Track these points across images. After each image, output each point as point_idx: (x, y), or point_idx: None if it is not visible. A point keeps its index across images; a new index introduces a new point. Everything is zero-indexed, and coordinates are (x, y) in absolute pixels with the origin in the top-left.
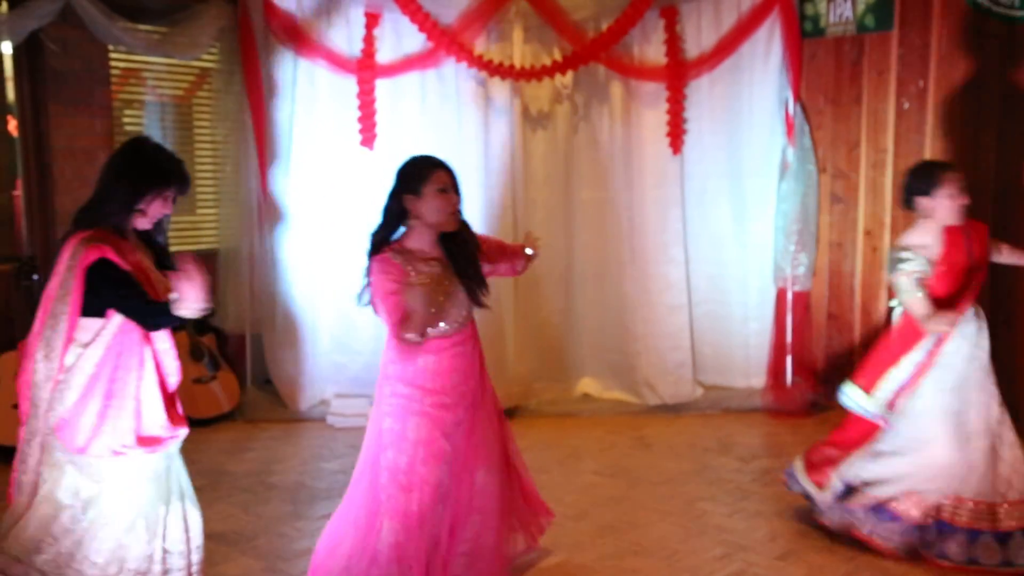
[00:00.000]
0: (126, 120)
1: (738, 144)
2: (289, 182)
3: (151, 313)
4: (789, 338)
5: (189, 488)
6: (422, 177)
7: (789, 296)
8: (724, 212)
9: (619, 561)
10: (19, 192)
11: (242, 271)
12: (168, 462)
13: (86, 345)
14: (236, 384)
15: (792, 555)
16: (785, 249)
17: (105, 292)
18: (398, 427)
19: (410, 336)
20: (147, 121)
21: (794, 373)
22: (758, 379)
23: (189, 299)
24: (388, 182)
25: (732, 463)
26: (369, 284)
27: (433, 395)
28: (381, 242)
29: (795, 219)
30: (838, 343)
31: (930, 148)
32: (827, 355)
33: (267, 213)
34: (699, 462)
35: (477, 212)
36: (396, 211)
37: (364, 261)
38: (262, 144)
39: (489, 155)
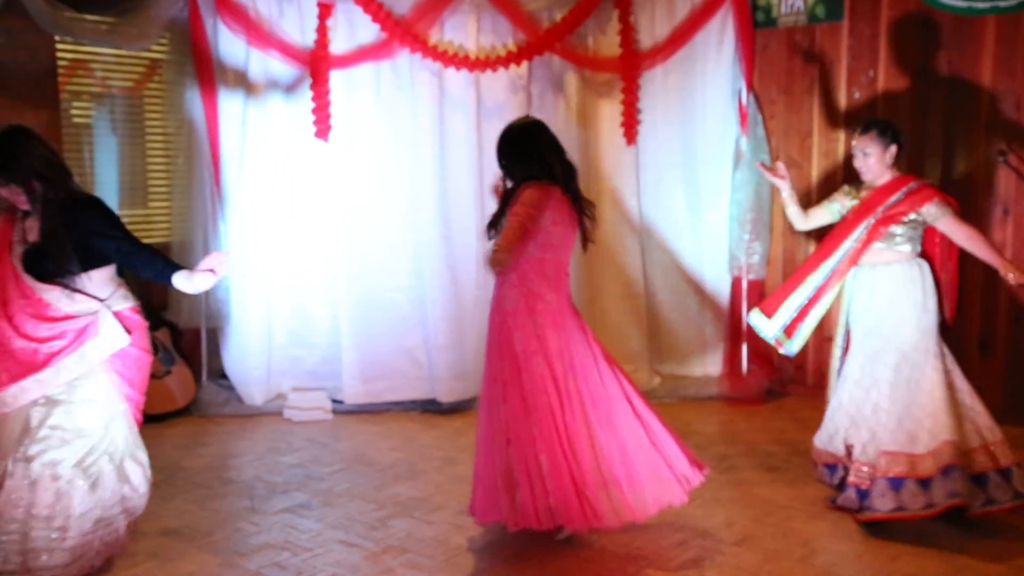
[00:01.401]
0: (74, 112)
1: (692, 134)
2: (243, 175)
3: None
4: (745, 326)
5: None
6: None
7: (744, 284)
8: (679, 202)
9: (578, 549)
10: None
11: (195, 265)
12: None
13: None
14: (191, 379)
15: (749, 540)
16: (739, 238)
17: None
18: None
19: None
20: (96, 113)
21: (749, 361)
22: (714, 367)
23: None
24: (344, 174)
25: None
26: (520, 198)
27: None
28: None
29: (749, 208)
30: None
31: None
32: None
33: (220, 206)
34: None
35: (434, 203)
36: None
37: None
38: (215, 136)
39: (445, 146)
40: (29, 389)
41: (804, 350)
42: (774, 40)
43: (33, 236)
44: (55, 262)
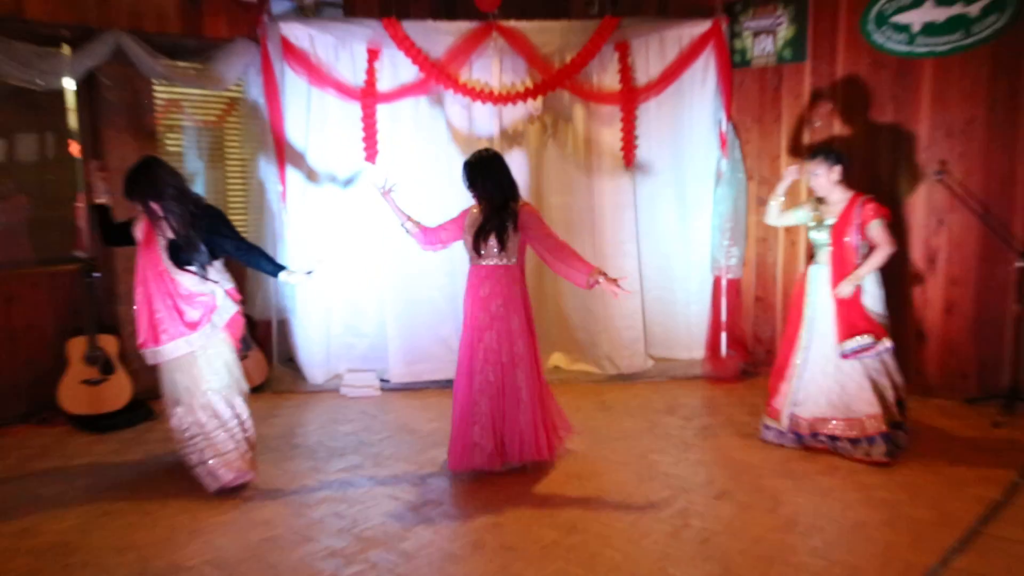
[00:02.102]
0: (168, 142)
1: (680, 156)
2: (305, 193)
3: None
4: (724, 317)
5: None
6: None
7: (724, 283)
8: (669, 214)
9: (585, 502)
10: (80, 204)
11: None
12: None
13: None
14: (265, 362)
15: (725, 495)
16: (720, 244)
17: None
18: None
19: None
20: (185, 143)
21: (728, 346)
22: (698, 352)
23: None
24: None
25: (677, 421)
26: (533, 217)
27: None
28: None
29: (728, 219)
30: (763, 321)
31: None
32: (754, 331)
33: (286, 220)
34: (650, 421)
35: None
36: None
37: (511, 204)
38: (282, 161)
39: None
40: (180, 347)
41: (772, 336)
42: (749, 78)
43: (170, 234)
44: (189, 254)
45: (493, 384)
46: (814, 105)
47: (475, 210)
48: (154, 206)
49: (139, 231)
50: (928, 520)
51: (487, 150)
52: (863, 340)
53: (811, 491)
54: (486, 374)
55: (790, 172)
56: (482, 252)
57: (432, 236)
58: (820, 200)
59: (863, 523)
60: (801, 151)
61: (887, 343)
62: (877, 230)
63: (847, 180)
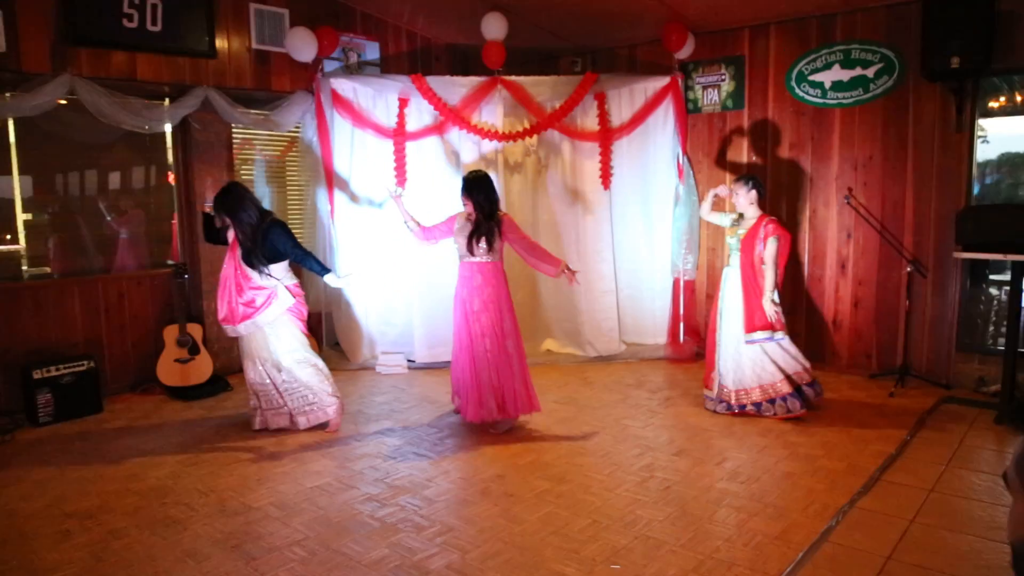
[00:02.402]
0: (242, 172)
1: (647, 182)
2: (349, 212)
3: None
4: (682, 311)
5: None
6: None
7: (682, 283)
8: (638, 228)
9: (571, 459)
10: (175, 221)
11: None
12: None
13: None
14: (316, 345)
15: (683, 453)
16: (679, 252)
17: None
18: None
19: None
20: (256, 173)
21: (685, 334)
22: (662, 338)
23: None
24: (415, 211)
25: (645, 394)
26: (512, 224)
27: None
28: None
29: (685, 232)
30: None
31: (769, 184)
32: (705, 321)
33: (335, 231)
34: (623, 394)
35: None
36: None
37: (496, 214)
38: (331, 186)
39: None
40: (248, 326)
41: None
42: (700, 121)
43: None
44: (253, 258)
45: (491, 353)
46: (751, 143)
47: (463, 218)
48: (229, 218)
49: (229, 235)
50: (840, 470)
51: (480, 171)
52: (762, 334)
53: (750, 448)
54: (483, 347)
55: (721, 189)
56: (474, 251)
57: (429, 233)
58: (740, 216)
59: (790, 473)
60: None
61: (780, 335)
62: (770, 248)
63: (761, 203)
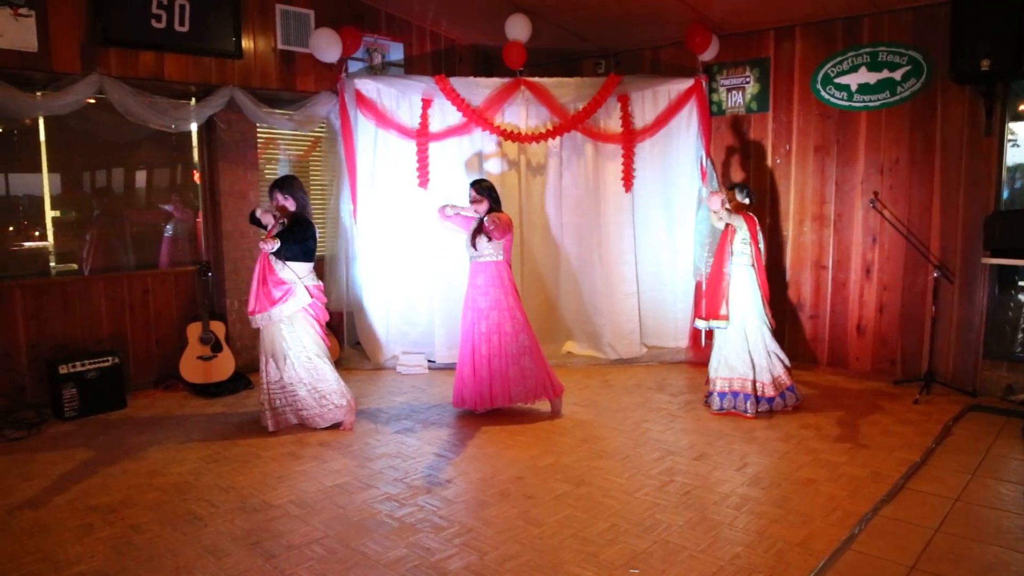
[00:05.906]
0: (267, 171)
1: (669, 185)
2: (371, 212)
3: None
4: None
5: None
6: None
7: (703, 286)
8: (661, 230)
9: (591, 461)
10: (200, 219)
11: (340, 269)
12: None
13: None
14: (337, 344)
15: (704, 457)
16: (701, 255)
17: None
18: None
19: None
20: (280, 173)
21: (706, 337)
22: (683, 341)
23: None
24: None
25: (665, 397)
26: (501, 219)
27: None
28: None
29: (707, 235)
30: None
31: (793, 187)
32: None
33: (357, 231)
34: (643, 397)
35: None
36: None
37: (494, 209)
38: (354, 186)
39: (503, 194)
40: (264, 318)
41: None
42: (724, 124)
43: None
44: (283, 242)
45: (504, 347)
46: (775, 145)
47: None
48: (288, 194)
49: (267, 221)
50: (863, 477)
51: (486, 179)
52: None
53: (771, 454)
54: (492, 343)
55: (714, 202)
56: (477, 248)
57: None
58: (735, 215)
59: (812, 479)
60: (764, 179)
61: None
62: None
63: (749, 207)
